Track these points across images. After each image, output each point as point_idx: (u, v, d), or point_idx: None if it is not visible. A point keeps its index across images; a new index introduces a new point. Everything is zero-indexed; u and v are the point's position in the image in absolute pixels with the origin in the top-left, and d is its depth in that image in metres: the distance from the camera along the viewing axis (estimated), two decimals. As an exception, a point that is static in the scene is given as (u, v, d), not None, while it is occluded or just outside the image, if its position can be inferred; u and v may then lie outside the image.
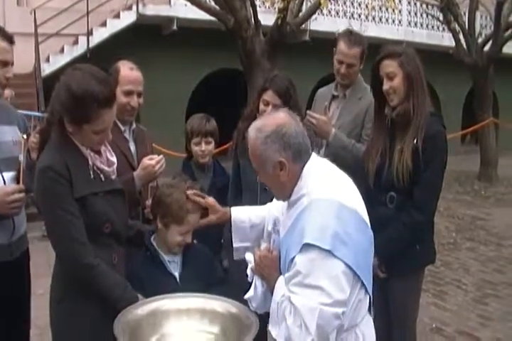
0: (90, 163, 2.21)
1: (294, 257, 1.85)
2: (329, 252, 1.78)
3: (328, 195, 1.91)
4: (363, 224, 1.98)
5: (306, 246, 1.80)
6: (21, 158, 2.57)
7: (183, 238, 2.43)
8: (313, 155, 2.06)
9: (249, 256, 2.18)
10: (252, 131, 2.01)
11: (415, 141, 2.70)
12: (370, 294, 1.99)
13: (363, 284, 1.90)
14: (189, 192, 2.43)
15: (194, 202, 2.43)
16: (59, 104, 2.14)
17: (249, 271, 2.17)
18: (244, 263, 2.24)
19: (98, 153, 2.27)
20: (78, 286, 2.17)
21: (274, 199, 2.36)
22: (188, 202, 2.42)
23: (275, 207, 2.33)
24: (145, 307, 2.10)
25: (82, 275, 2.15)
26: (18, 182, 2.56)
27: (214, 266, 2.63)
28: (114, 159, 2.34)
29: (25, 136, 2.58)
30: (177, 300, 2.16)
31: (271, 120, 2.02)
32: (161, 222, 2.44)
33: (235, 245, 2.45)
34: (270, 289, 2.03)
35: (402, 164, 2.71)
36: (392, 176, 2.75)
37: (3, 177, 2.55)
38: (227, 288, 2.43)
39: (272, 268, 2.06)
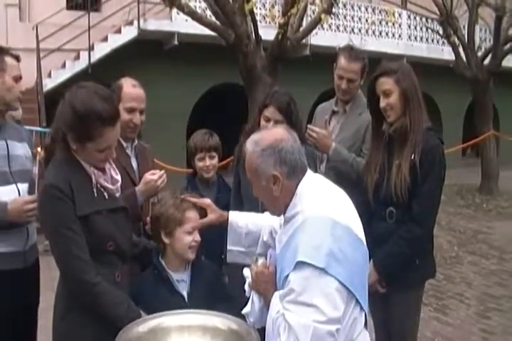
0: (94, 180, 2.22)
1: (288, 275, 1.86)
2: (323, 270, 1.78)
3: (322, 213, 1.91)
4: (358, 241, 1.97)
5: (300, 264, 1.81)
6: (35, 170, 2.69)
7: (192, 238, 2.43)
8: (309, 172, 2.07)
9: (246, 272, 2.19)
10: (250, 144, 2.03)
11: (412, 156, 2.72)
12: (366, 311, 1.98)
13: (357, 301, 1.89)
14: (184, 195, 2.49)
15: (190, 202, 2.47)
16: (63, 122, 2.15)
17: (246, 287, 2.18)
18: (244, 279, 2.23)
19: (102, 170, 2.28)
20: (80, 303, 2.17)
21: None
22: (183, 202, 2.45)
23: (273, 218, 2.34)
24: (146, 325, 2.08)
25: (84, 292, 2.14)
26: (30, 193, 2.66)
27: (221, 283, 2.63)
28: (118, 177, 2.35)
29: (39, 149, 2.65)
30: (178, 317, 2.15)
31: (269, 134, 2.04)
32: (165, 234, 2.44)
33: (228, 247, 2.48)
34: (267, 304, 2.03)
35: (400, 179, 2.73)
36: (391, 191, 2.76)
37: (17, 188, 2.67)
38: (232, 305, 2.41)
39: (269, 284, 2.06)
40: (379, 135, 2.91)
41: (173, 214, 2.42)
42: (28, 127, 8.39)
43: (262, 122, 3.06)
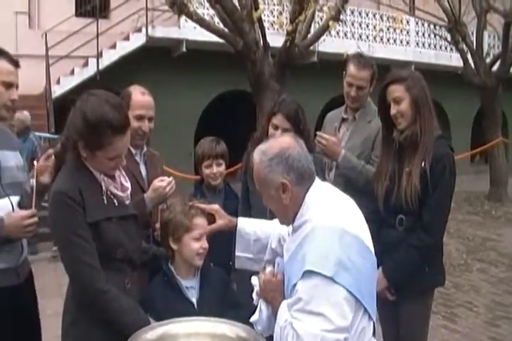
0: (104, 188, 2.22)
1: (295, 284, 1.85)
2: (331, 279, 1.78)
3: (331, 222, 1.91)
4: (366, 249, 1.97)
5: (308, 273, 1.81)
6: (33, 182, 2.56)
7: (200, 244, 2.43)
8: (317, 180, 2.07)
9: (254, 280, 2.19)
10: (257, 154, 2.04)
11: (423, 163, 2.71)
12: (374, 320, 1.97)
13: (365, 310, 1.88)
14: (192, 202, 2.50)
15: (198, 208, 2.48)
16: (74, 130, 2.15)
17: (254, 295, 2.18)
18: (252, 287, 2.23)
19: (112, 178, 2.28)
20: (90, 310, 2.17)
21: None
22: (192, 209, 2.46)
23: (282, 226, 2.33)
24: (154, 332, 2.07)
25: (94, 299, 2.14)
26: (22, 207, 2.55)
27: (230, 290, 2.62)
28: (128, 184, 2.35)
29: (35, 162, 2.58)
30: (186, 324, 2.14)
31: (275, 143, 2.05)
32: (174, 240, 2.44)
33: (236, 254, 2.48)
34: (275, 313, 2.03)
35: (411, 187, 2.72)
36: (401, 199, 2.75)
37: (10, 201, 2.55)
38: (241, 312, 2.40)
39: (277, 293, 2.06)
40: (389, 142, 2.91)
41: (181, 221, 2.42)
42: (37, 133, 8.48)
43: (270, 130, 3.06)
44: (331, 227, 1.89)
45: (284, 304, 1.96)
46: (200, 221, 2.47)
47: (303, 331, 1.79)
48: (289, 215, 2.04)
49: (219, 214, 2.52)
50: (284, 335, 1.88)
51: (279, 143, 2.04)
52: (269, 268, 2.18)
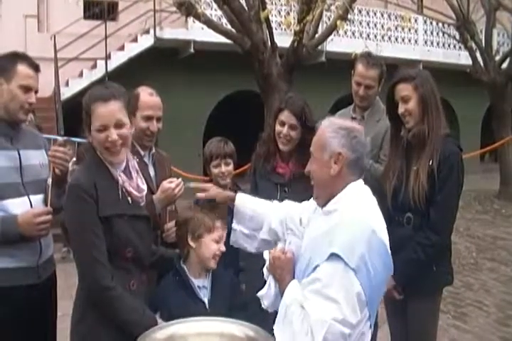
0: (121, 181, 2.26)
1: (317, 265, 1.86)
2: (353, 271, 1.80)
3: (364, 219, 1.93)
4: (388, 258, 1.98)
5: (334, 257, 1.82)
6: (49, 180, 2.63)
7: (218, 246, 2.46)
8: (361, 180, 2.07)
9: (266, 255, 2.20)
10: (327, 121, 2.09)
11: (430, 162, 2.72)
12: (372, 323, 1.97)
13: (369, 316, 1.89)
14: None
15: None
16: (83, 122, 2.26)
17: (265, 270, 2.19)
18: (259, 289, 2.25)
19: (129, 177, 2.32)
20: (97, 308, 2.19)
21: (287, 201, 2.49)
22: (212, 212, 2.51)
23: (293, 207, 2.39)
24: (163, 332, 2.10)
25: (99, 296, 2.16)
26: (46, 205, 2.62)
27: (239, 291, 2.63)
28: (144, 187, 2.38)
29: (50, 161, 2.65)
30: (195, 324, 2.16)
31: (349, 122, 2.11)
32: (192, 238, 2.46)
33: (233, 226, 2.51)
34: (281, 291, 2.04)
35: (418, 185, 2.73)
36: (409, 197, 2.76)
37: (30, 200, 2.61)
38: (250, 313, 2.42)
39: (285, 271, 2.08)
40: (397, 141, 2.92)
41: (204, 220, 2.46)
42: (45, 135, 8.52)
43: (277, 127, 3.06)
44: (363, 225, 1.91)
45: (294, 283, 1.98)
46: (220, 224, 2.50)
47: (313, 314, 1.81)
48: (326, 190, 2.03)
49: (209, 187, 2.65)
50: (289, 313, 1.90)
51: (352, 123, 2.10)
52: (279, 246, 2.20)
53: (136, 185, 2.33)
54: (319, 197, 2.09)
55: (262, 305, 2.16)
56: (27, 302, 2.58)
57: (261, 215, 2.47)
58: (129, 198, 2.29)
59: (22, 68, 2.58)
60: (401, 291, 2.83)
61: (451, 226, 2.86)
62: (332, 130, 2.02)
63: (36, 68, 2.65)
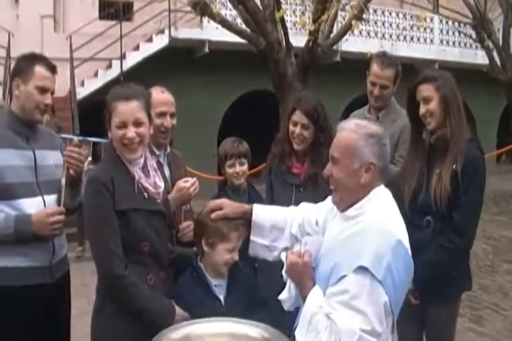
0: (137, 177, 2.31)
1: (345, 275, 1.84)
2: (379, 282, 1.80)
3: (389, 228, 1.91)
4: (411, 266, 1.96)
5: (362, 269, 1.81)
6: (63, 181, 2.66)
7: (231, 256, 2.44)
8: (382, 185, 2.05)
9: (283, 257, 2.19)
10: (352, 124, 2.01)
11: (454, 165, 2.67)
12: (395, 329, 1.98)
13: (392, 323, 1.90)
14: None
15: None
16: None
17: (283, 272, 2.17)
18: (276, 287, 2.24)
19: (146, 175, 2.37)
20: (114, 300, 2.25)
21: (303, 204, 2.43)
22: (231, 221, 2.45)
23: (309, 210, 2.35)
24: (178, 332, 2.09)
25: (114, 285, 2.23)
26: (59, 205, 2.65)
27: (257, 290, 2.62)
28: (161, 184, 2.43)
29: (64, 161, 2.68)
30: (210, 324, 2.15)
31: (374, 126, 2.04)
32: (207, 243, 2.45)
33: (251, 238, 2.43)
34: (301, 295, 2.03)
35: (441, 188, 2.68)
36: (430, 200, 2.71)
37: (44, 199, 2.64)
38: (268, 312, 2.41)
39: (304, 276, 2.05)
40: (418, 143, 2.88)
41: (220, 229, 2.42)
42: (62, 135, 8.58)
43: (291, 127, 3.05)
44: (388, 234, 1.89)
45: (317, 290, 1.96)
46: (236, 235, 2.46)
47: (342, 325, 1.80)
48: (352, 196, 1.99)
49: (225, 205, 2.43)
50: (314, 321, 1.89)
51: (377, 127, 2.03)
52: (296, 248, 2.18)
53: (153, 182, 2.38)
54: (342, 202, 2.05)
55: (284, 307, 2.16)
56: (40, 302, 2.60)
57: (280, 224, 2.42)
58: (145, 194, 2.34)
59: (39, 69, 2.62)
60: (417, 296, 2.77)
61: (474, 230, 2.81)
62: (362, 137, 1.95)
63: (53, 69, 2.68)
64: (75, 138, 2.77)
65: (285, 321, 2.19)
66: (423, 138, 2.84)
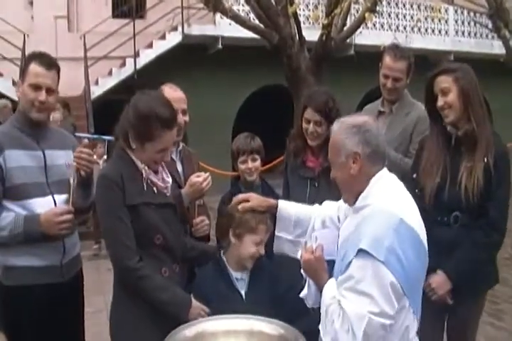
0: (145, 175, 2.35)
1: (350, 261, 1.87)
2: (382, 263, 1.80)
3: (391, 209, 1.92)
4: (420, 245, 1.94)
5: (362, 252, 1.83)
6: (71, 180, 2.64)
7: (257, 249, 2.46)
8: (385, 169, 2.06)
9: (299, 255, 2.21)
10: (337, 123, 2.09)
11: (485, 159, 2.60)
12: (418, 318, 1.95)
13: (410, 306, 1.88)
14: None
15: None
16: (126, 122, 2.34)
17: (302, 270, 2.19)
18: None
19: (154, 172, 2.41)
20: (129, 294, 2.29)
21: (326, 202, 2.47)
22: (258, 213, 2.48)
23: (330, 207, 2.39)
24: (193, 329, 2.10)
25: (128, 277, 2.27)
26: (68, 204, 2.63)
27: (281, 277, 2.60)
28: (169, 179, 2.48)
29: (74, 162, 2.66)
30: (225, 322, 2.16)
31: (357, 117, 2.10)
32: (234, 234, 2.47)
33: (276, 233, 2.49)
34: (319, 289, 2.06)
35: (473, 182, 2.60)
36: (459, 195, 2.63)
37: (54, 199, 2.64)
38: (289, 307, 2.39)
39: (318, 270, 2.09)
40: (440, 137, 2.78)
41: (248, 220, 2.46)
42: (77, 134, 8.63)
43: (304, 124, 3.03)
44: (389, 214, 1.90)
45: (331, 282, 2.00)
46: (264, 228, 2.48)
47: (350, 310, 1.82)
48: (353, 189, 2.04)
49: (251, 198, 2.51)
50: (329, 312, 1.92)
51: (361, 117, 2.09)
52: (308, 245, 2.19)
53: (161, 177, 2.43)
54: (348, 198, 2.10)
55: (307, 305, 2.17)
56: (51, 301, 2.60)
57: (304, 220, 2.46)
58: (155, 188, 2.38)
59: (32, 67, 2.60)
60: (451, 295, 2.68)
61: (507, 223, 2.71)
62: (342, 131, 2.03)
63: (49, 65, 2.62)
64: (86, 140, 2.76)
65: (306, 316, 2.20)
66: (447, 133, 2.75)
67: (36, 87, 2.60)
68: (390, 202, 1.94)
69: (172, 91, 2.87)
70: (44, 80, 2.61)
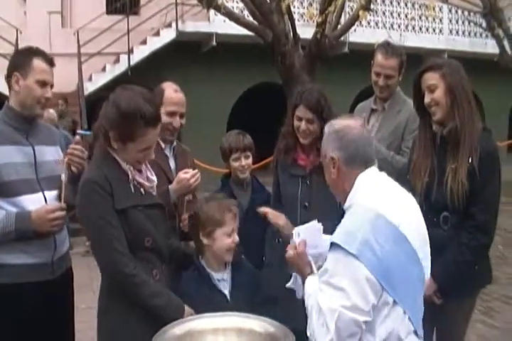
0: (130, 177, 2.27)
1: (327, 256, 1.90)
2: (354, 256, 1.78)
3: (369, 203, 1.91)
4: (401, 238, 1.88)
5: (334, 246, 1.83)
6: (63, 176, 2.63)
7: (231, 239, 2.45)
8: (374, 168, 2.05)
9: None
10: (326, 127, 2.14)
11: (470, 159, 2.55)
12: (418, 319, 1.92)
13: (396, 304, 1.82)
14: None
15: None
16: (106, 120, 2.22)
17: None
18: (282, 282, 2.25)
19: (139, 171, 2.34)
20: (122, 297, 2.22)
21: None
22: (223, 203, 2.49)
23: None
24: (182, 327, 2.08)
25: (122, 284, 2.20)
26: (60, 201, 2.62)
27: (261, 285, 2.61)
28: (154, 178, 2.40)
29: (66, 158, 2.65)
30: (214, 320, 2.14)
31: (341, 121, 2.11)
32: (205, 234, 2.46)
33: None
34: (303, 282, 2.07)
35: (457, 184, 2.56)
36: (446, 196, 2.60)
37: (44, 195, 2.61)
38: (272, 306, 2.42)
39: (301, 265, 2.10)
40: (427, 136, 2.75)
41: (213, 215, 2.44)
42: (78, 131, 8.59)
43: (295, 122, 3.01)
44: (366, 208, 1.90)
45: (311, 277, 2.02)
46: (232, 215, 2.47)
47: (324, 304, 1.81)
48: (338, 191, 2.08)
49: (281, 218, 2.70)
50: (309, 307, 1.93)
51: (344, 122, 2.10)
52: (291, 242, 2.18)
53: (145, 177, 2.36)
54: (341, 199, 2.11)
55: (297, 296, 2.18)
56: (41, 299, 2.58)
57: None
58: (142, 189, 2.32)
59: (38, 63, 2.59)
60: (439, 295, 2.66)
61: (495, 224, 2.69)
62: (326, 136, 2.09)
63: (51, 62, 2.65)
64: (77, 136, 2.74)
65: (294, 314, 2.19)
66: (433, 131, 2.72)
67: (43, 84, 2.60)
68: (370, 199, 1.93)
69: (173, 92, 2.87)
70: (49, 77, 2.63)
